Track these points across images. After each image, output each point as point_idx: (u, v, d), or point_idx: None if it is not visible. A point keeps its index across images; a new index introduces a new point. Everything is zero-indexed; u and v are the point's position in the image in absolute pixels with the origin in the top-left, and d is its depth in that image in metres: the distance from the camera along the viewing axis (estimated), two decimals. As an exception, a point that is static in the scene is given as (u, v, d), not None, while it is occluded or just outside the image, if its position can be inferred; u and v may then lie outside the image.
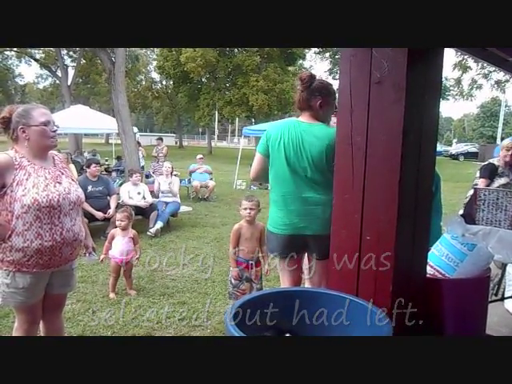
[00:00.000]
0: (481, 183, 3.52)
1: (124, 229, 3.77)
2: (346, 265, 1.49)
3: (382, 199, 1.41)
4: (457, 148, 33.01)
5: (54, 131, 2.03)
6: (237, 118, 33.89)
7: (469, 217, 2.61)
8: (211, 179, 9.57)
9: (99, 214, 5.42)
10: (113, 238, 3.76)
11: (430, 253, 1.79)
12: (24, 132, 1.96)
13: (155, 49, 32.97)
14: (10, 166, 1.91)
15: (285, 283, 2.37)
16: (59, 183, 2.02)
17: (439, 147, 40.09)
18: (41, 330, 2.25)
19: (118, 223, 3.77)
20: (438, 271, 1.79)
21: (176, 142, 42.87)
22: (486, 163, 3.78)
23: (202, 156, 10.02)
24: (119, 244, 3.74)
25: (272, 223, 2.33)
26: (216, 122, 42.06)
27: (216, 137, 54.72)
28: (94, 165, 5.78)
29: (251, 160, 2.80)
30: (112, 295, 3.71)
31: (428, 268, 1.76)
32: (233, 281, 3.09)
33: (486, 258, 1.74)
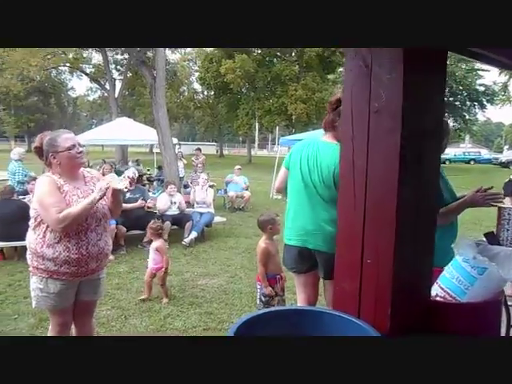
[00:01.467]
0: (506, 201, 3.40)
1: (154, 239, 4.00)
2: (349, 286, 1.54)
3: (381, 222, 1.44)
4: (508, 155, 31.24)
5: (80, 152, 2.24)
6: (276, 127, 34.15)
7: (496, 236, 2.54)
8: (247, 189, 9.71)
9: (141, 203, 5.92)
10: (163, 251, 4.04)
11: (441, 275, 1.79)
12: (54, 158, 2.20)
13: (197, 61, 34.01)
14: (56, 185, 2.17)
15: (299, 299, 2.42)
16: None
17: (488, 155, 38.27)
18: (73, 333, 2.44)
19: (150, 233, 4.01)
20: (448, 294, 1.77)
21: (217, 151, 43.67)
22: (508, 179, 3.63)
23: (239, 167, 10.19)
24: (151, 253, 3.98)
25: (285, 234, 2.43)
26: (256, 131, 42.50)
27: (256, 145, 55.21)
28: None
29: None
30: (144, 296, 3.92)
31: (439, 290, 1.75)
32: (263, 298, 3.13)
33: (497, 282, 1.71)
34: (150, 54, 14.58)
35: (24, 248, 5.43)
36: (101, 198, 2.19)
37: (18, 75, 27.26)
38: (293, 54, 24.83)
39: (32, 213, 2.22)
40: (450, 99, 26.06)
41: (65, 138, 2.21)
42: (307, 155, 2.31)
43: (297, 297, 2.50)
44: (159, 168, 12.84)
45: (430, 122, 1.53)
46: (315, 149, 2.30)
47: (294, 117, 22.42)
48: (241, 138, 52.25)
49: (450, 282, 1.79)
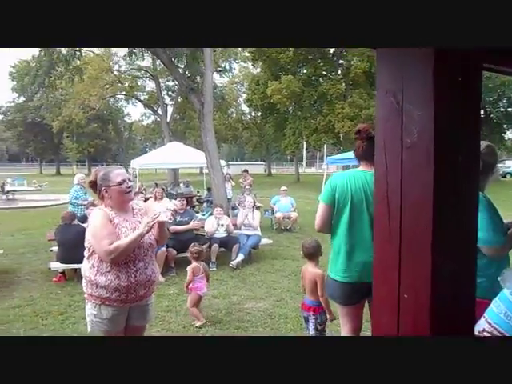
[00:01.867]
0: None
1: (193, 262, 4.16)
2: (386, 321, 1.53)
3: (417, 257, 1.44)
4: None
5: (129, 187, 2.43)
6: (324, 145, 33.99)
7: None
8: (294, 210, 9.72)
9: (194, 224, 6.23)
10: (193, 271, 4.11)
11: (488, 309, 1.72)
12: (106, 192, 2.40)
13: (244, 83, 34.88)
14: (108, 218, 2.36)
15: (345, 330, 2.40)
16: None
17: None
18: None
19: (190, 256, 4.21)
20: (496, 329, 1.70)
21: (265, 170, 44.07)
22: None
23: (285, 188, 10.24)
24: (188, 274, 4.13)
25: (336, 271, 2.36)
26: (304, 150, 42.50)
27: (305, 163, 55.09)
28: (179, 199, 6.43)
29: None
30: (198, 323, 4.04)
31: (486, 325, 1.69)
32: (319, 326, 3.10)
33: (549, 318, 1.62)
34: (198, 79, 15.19)
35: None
36: (147, 232, 2.36)
37: (79, 105, 29.29)
38: (339, 72, 24.79)
39: (86, 243, 2.42)
40: (509, 109, 24.70)
41: (116, 173, 2.41)
42: (357, 188, 2.28)
43: (341, 327, 2.47)
44: (208, 189, 13.17)
45: (464, 155, 1.52)
46: (363, 180, 2.29)
47: (341, 134, 22.24)
48: (289, 157, 52.45)
49: (497, 317, 1.72)
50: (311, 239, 3.32)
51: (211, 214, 8.55)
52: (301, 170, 42.53)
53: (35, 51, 10.91)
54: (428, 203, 1.42)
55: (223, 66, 31.68)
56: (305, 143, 30.46)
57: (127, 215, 2.45)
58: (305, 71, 25.15)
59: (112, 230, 2.33)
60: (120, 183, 2.38)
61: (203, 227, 6.58)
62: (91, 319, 2.40)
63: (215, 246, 6.26)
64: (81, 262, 5.67)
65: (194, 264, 4.16)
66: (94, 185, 2.47)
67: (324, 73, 25.25)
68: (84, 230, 5.59)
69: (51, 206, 13.95)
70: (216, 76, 33.32)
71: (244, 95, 34.57)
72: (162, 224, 2.44)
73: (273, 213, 9.70)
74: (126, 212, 2.46)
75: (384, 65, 1.57)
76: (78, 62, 12.87)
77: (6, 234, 8.90)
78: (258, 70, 29.12)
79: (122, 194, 2.40)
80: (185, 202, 6.61)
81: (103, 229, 2.31)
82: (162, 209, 2.49)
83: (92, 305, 2.38)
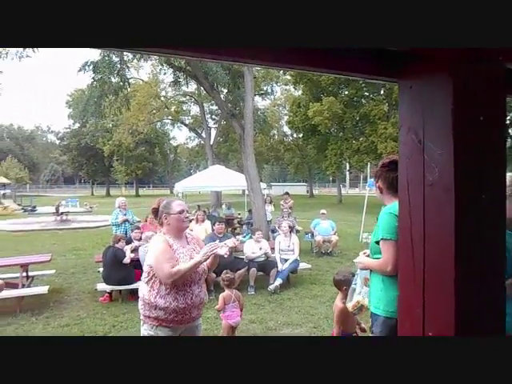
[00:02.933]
0: None
1: (225, 289, 4.15)
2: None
3: (440, 296, 1.43)
4: None
5: (187, 217, 2.68)
6: (368, 165, 33.48)
7: None
8: (335, 233, 9.61)
9: (233, 242, 6.17)
10: (224, 300, 4.10)
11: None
12: (166, 219, 2.63)
13: (286, 105, 35.30)
14: (168, 243, 2.59)
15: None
16: (192, 258, 2.59)
17: None
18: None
19: (221, 283, 4.20)
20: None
21: (307, 191, 43.90)
22: None
23: (324, 211, 10.17)
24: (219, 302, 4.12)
25: (388, 307, 2.26)
26: (347, 171, 42.03)
27: (348, 184, 54.36)
28: (218, 223, 6.51)
29: (379, 209, 2.66)
30: None
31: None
32: None
33: None
34: (240, 103, 15.59)
35: (126, 292, 5.98)
36: (205, 261, 2.57)
37: (128, 130, 30.76)
38: (381, 92, 24.55)
39: (145, 268, 2.62)
40: None
41: (177, 203, 2.67)
42: None
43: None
44: (250, 211, 13.31)
45: (488, 192, 1.51)
46: None
47: (384, 155, 21.84)
48: (331, 177, 52.03)
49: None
50: (342, 271, 3.28)
51: (251, 237, 8.66)
52: (344, 191, 41.95)
53: (89, 81, 11.68)
54: (450, 240, 1.43)
55: (265, 89, 32.29)
56: (347, 164, 30.19)
57: (183, 242, 2.68)
58: (346, 92, 25.12)
59: (172, 254, 2.54)
60: (179, 212, 2.62)
61: (242, 250, 6.67)
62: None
63: (253, 270, 6.31)
64: (118, 284, 5.93)
65: (226, 292, 4.13)
66: (155, 211, 2.74)
67: (366, 94, 25.10)
68: (119, 252, 5.91)
69: (100, 227, 14.63)
70: (258, 99, 34.05)
71: (286, 117, 34.91)
72: (217, 256, 2.62)
73: (313, 236, 9.64)
74: (181, 239, 2.69)
75: (406, 100, 1.62)
76: (128, 89, 13.62)
77: (59, 254, 9.43)
78: (300, 92, 29.40)
79: (180, 222, 2.63)
80: (223, 226, 6.74)
81: (165, 253, 2.52)
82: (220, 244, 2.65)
83: (149, 326, 2.55)
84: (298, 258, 6.91)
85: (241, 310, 4.19)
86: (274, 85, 32.76)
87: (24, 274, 6.05)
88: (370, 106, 22.99)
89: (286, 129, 37.68)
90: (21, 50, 9.83)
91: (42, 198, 37.76)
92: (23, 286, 5.82)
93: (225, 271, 4.33)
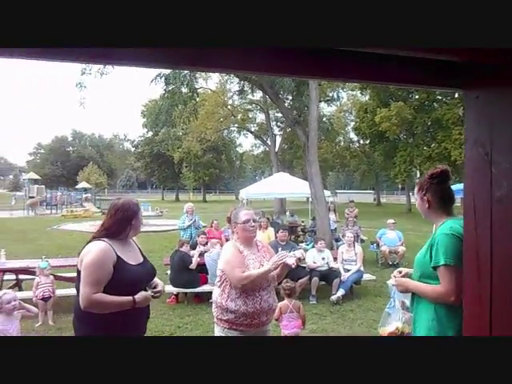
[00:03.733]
0: None
1: (285, 297, 4.09)
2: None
3: (509, 312, 1.34)
4: None
5: (253, 226, 2.76)
6: (440, 173, 31.68)
7: None
8: (402, 244, 9.22)
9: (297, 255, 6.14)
10: (280, 309, 3.99)
11: None
12: (235, 227, 2.78)
13: (353, 111, 34.61)
14: (238, 250, 2.73)
15: None
16: (262, 265, 2.69)
17: None
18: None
19: (282, 292, 4.11)
20: None
21: (374, 199, 42.51)
22: None
23: (393, 221, 9.78)
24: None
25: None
26: (417, 179, 40.07)
27: (418, 192, 51.72)
28: (281, 231, 6.53)
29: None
30: None
31: None
32: None
33: None
34: (305, 110, 15.56)
35: (192, 294, 6.20)
36: (274, 270, 2.65)
37: (197, 137, 31.98)
38: (455, 95, 23.18)
39: (218, 272, 2.76)
40: None
41: (244, 213, 2.77)
42: None
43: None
44: (313, 219, 13.20)
45: None
46: None
47: (458, 162, 20.55)
48: (400, 185, 49.92)
49: None
50: None
51: (314, 246, 8.57)
52: (413, 200, 39.93)
53: (162, 92, 12.42)
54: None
55: (331, 95, 31.93)
56: (418, 171, 28.81)
57: (253, 249, 2.79)
58: (417, 97, 24.04)
59: (242, 260, 2.67)
60: (245, 222, 2.71)
61: (304, 259, 6.63)
62: None
63: (315, 280, 6.24)
64: (184, 287, 6.15)
65: (284, 302, 4.04)
66: (230, 220, 2.88)
67: (439, 97, 23.84)
68: (185, 256, 6.14)
69: (169, 230, 15.31)
70: (324, 105, 33.74)
71: (352, 123, 34.22)
72: (286, 266, 2.67)
73: (378, 246, 9.32)
74: (251, 246, 2.80)
75: (471, 111, 1.55)
76: (196, 99, 14.19)
77: (131, 255, 10.02)
78: (367, 97, 28.69)
79: (246, 231, 2.74)
80: (287, 234, 6.76)
81: (236, 258, 2.67)
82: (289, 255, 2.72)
83: (220, 329, 2.68)
84: (362, 269, 6.73)
85: (302, 322, 4.04)
86: (340, 90, 32.26)
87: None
88: (443, 110, 21.80)
89: (352, 135, 36.94)
90: (101, 67, 10.66)
91: (118, 201, 40.29)
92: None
93: (285, 280, 4.27)
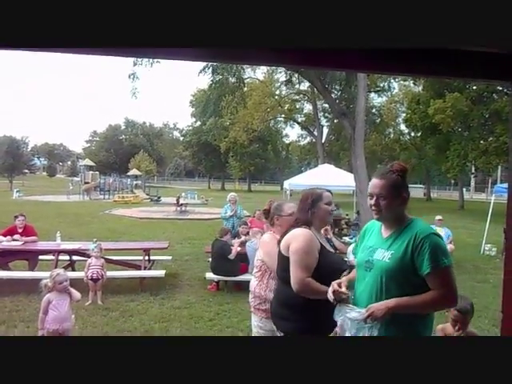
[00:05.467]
0: None
1: None
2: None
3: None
4: None
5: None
6: (499, 168, 29.86)
7: None
8: (450, 242, 8.83)
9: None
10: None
11: None
12: (278, 220, 2.77)
13: (404, 102, 33.34)
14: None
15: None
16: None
17: None
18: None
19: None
20: None
21: (424, 194, 40.92)
22: None
23: (440, 217, 9.38)
24: None
25: None
26: (471, 174, 38.07)
27: (472, 188, 49.23)
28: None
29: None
30: None
31: None
32: None
33: None
34: (353, 100, 15.20)
35: (232, 283, 6.31)
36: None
37: (243, 128, 32.19)
38: (519, 86, 21.67)
39: (257, 263, 2.82)
40: None
41: (289, 206, 2.80)
42: None
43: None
44: (358, 213, 12.95)
45: None
46: None
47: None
48: (452, 180, 47.69)
49: None
50: (465, 301, 2.75)
51: (354, 243, 8.42)
52: (467, 196, 38.12)
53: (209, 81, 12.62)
54: None
55: (382, 85, 30.92)
56: (472, 166, 27.34)
57: None
58: (474, 87, 22.70)
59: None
60: (290, 214, 2.71)
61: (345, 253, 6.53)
62: (257, 330, 2.74)
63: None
64: (224, 275, 6.26)
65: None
66: (267, 212, 2.91)
67: (499, 88, 22.36)
68: (225, 245, 6.24)
69: (214, 219, 15.62)
70: (374, 96, 32.76)
71: (403, 115, 32.97)
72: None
73: (425, 243, 8.96)
74: None
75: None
76: (244, 89, 14.26)
77: (177, 241, 10.36)
78: (420, 88, 27.49)
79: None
80: (329, 228, 6.66)
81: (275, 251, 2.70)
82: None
83: (258, 318, 2.73)
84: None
85: None
86: (392, 81, 31.17)
87: (146, 257, 6.79)
88: (503, 101, 20.44)
89: (402, 127, 35.63)
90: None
91: (166, 189, 41.70)
92: (145, 269, 6.55)
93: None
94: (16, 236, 6.44)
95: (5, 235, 6.43)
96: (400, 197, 1.90)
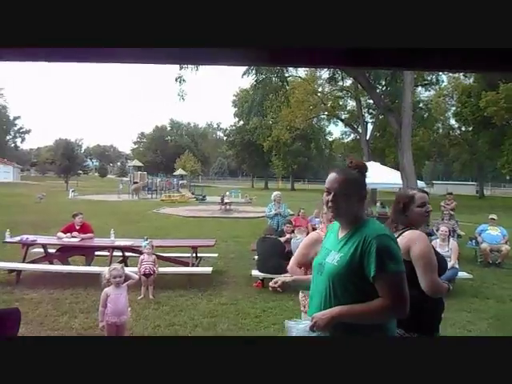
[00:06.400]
0: None
1: None
2: None
3: None
4: None
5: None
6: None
7: None
8: (506, 242, 8.42)
9: None
10: None
11: None
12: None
13: (454, 95, 31.93)
14: (317, 241, 2.66)
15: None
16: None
17: None
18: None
19: None
20: None
21: (476, 191, 39.00)
22: None
23: (494, 216, 8.95)
24: None
25: None
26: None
27: (531, 185, 46.36)
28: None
29: None
30: None
31: None
32: None
33: None
34: (399, 95, 14.77)
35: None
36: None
37: (286, 126, 32.17)
38: None
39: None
40: None
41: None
42: None
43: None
44: (404, 211, 12.57)
45: None
46: None
47: None
48: (508, 177, 45.04)
49: None
50: None
51: (404, 238, 8.21)
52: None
53: (252, 81, 12.77)
54: None
55: (429, 78, 29.79)
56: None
57: None
58: (532, 77, 21.36)
59: (311, 249, 2.73)
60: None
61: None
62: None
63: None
64: (275, 272, 6.33)
65: None
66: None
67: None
68: (277, 242, 6.30)
69: (258, 217, 15.77)
70: (421, 90, 31.62)
71: (453, 109, 31.62)
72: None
73: (477, 243, 8.61)
74: None
75: None
76: (287, 88, 14.28)
77: (222, 239, 10.57)
78: (471, 80, 26.25)
79: None
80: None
81: (302, 245, 2.82)
82: None
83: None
84: (457, 266, 6.31)
85: None
86: (440, 73, 29.95)
87: (194, 254, 7.01)
88: None
89: (452, 121, 34.15)
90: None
91: (210, 188, 42.45)
92: (193, 265, 6.76)
93: None
94: (74, 233, 6.88)
95: (65, 232, 6.89)
96: (358, 195, 1.77)
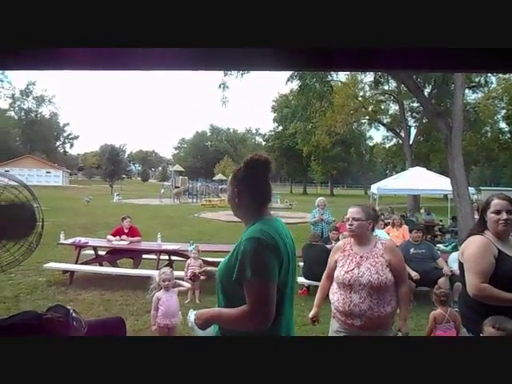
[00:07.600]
0: None
1: (437, 306, 3.75)
2: None
3: None
4: None
5: (351, 225, 2.69)
6: None
7: None
8: None
9: (415, 274, 5.63)
10: (435, 319, 3.68)
11: None
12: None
13: (504, 97, 30.41)
14: (338, 249, 2.79)
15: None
16: (358, 267, 2.55)
17: None
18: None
19: (434, 299, 3.79)
20: None
21: (528, 198, 36.83)
22: None
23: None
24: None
25: None
26: None
27: None
28: (415, 231, 6.14)
29: None
30: None
31: None
32: None
33: None
34: (447, 98, 14.25)
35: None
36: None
37: (326, 131, 31.80)
38: None
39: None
40: None
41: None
42: None
43: None
44: (453, 218, 12.07)
45: None
46: None
47: None
48: None
49: None
50: None
51: (455, 247, 7.85)
52: None
53: (294, 86, 12.72)
54: None
55: (477, 80, 28.55)
56: None
57: (364, 249, 2.68)
58: None
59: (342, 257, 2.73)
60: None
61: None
62: (331, 329, 2.76)
63: (458, 285, 5.71)
64: (315, 279, 6.20)
65: (439, 311, 3.65)
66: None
67: None
68: (326, 250, 6.19)
69: (299, 223, 15.63)
70: (468, 92, 30.35)
71: (503, 111, 30.12)
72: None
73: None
74: (366, 245, 2.70)
75: None
76: (331, 94, 14.12)
77: (263, 245, 10.54)
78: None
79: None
80: (421, 234, 6.31)
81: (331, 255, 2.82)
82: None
83: (332, 318, 2.75)
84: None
85: (457, 332, 3.53)
86: (489, 74, 28.62)
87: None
88: None
89: (502, 125, 32.52)
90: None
91: (249, 193, 42.62)
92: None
93: (437, 286, 3.91)
94: (123, 236, 7.08)
95: (114, 235, 7.11)
96: (249, 191, 1.76)
